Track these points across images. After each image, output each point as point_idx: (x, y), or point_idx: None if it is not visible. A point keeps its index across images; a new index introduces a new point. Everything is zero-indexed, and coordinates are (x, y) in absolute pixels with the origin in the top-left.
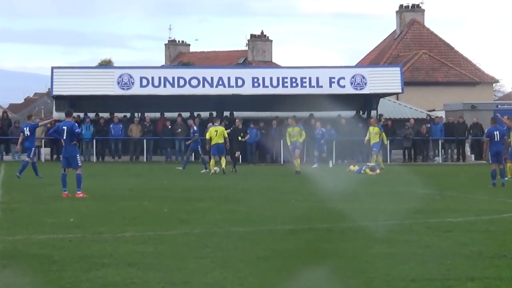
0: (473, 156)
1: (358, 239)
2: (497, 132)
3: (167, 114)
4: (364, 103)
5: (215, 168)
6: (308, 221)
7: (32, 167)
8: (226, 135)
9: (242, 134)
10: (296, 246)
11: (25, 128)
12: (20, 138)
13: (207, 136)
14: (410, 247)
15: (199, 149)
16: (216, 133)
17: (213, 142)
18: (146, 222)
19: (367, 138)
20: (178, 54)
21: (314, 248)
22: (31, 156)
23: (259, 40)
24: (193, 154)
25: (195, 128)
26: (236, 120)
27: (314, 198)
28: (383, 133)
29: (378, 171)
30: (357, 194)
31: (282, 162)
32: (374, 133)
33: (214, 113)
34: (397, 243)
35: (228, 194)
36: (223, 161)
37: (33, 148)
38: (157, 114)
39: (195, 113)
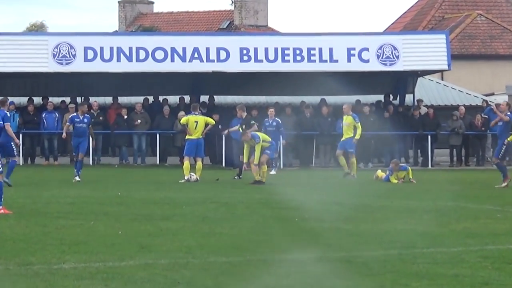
0: None
1: (387, 274)
2: None
3: (122, 100)
4: (396, 85)
5: (191, 174)
6: (317, 248)
7: None
8: (213, 123)
9: (243, 126)
10: (303, 283)
11: None
12: None
13: (183, 122)
14: (460, 285)
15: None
16: (196, 124)
17: (188, 136)
18: (93, 249)
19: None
20: (137, 16)
21: (327, 286)
22: None
23: None
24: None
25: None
26: (238, 108)
27: (326, 216)
28: (358, 123)
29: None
30: (386, 211)
31: (281, 165)
32: (346, 125)
33: (187, 98)
34: (442, 279)
35: (206, 211)
36: (199, 166)
37: None
38: (108, 99)
39: (161, 98)
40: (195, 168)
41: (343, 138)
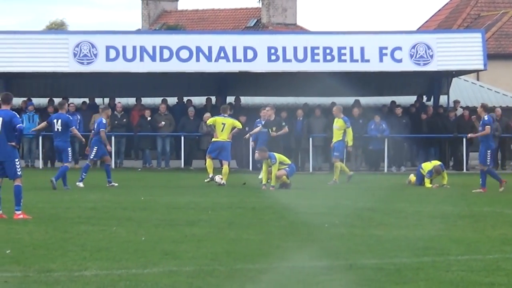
0: None
1: (420, 281)
2: None
3: (145, 100)
4: (430, 85)
5: (218, 176)
6: (348, 255)
7: None
8: (240, 126)
9: (274, 128)
10: None
11: None
12: None
13: (209, 123)
14: None
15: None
16: (223, 126)
17: (214, 139)
18: (115, 256)
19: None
20: (161, 14)
21: None
22: None
23: None
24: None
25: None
26: (267, 108)
27: (357, 221)
28: (349, 128)
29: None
30: (419, 216)
31: (310, 169)
32: (336, 128)
33: (213, 99)
34: (477, 287)
35: (232, 216)
36: (225, 170)
37: None
38: (131, 100)
39: (185, 99)
40: (221, 172)
41: (332, 142)
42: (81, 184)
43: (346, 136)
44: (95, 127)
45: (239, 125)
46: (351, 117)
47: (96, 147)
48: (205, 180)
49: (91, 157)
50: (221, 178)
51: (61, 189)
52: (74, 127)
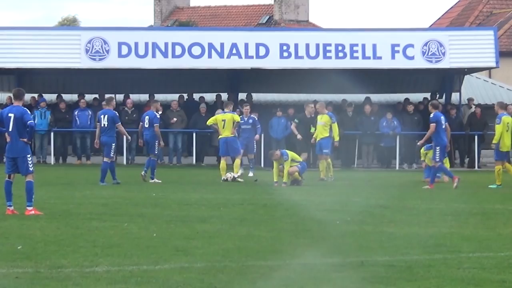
0: None
1: (431, 279)
2: None
3: (157, 97)
4: (442, 82)
5: (228, 174)
6: (359, 252)
7: None
8: (239, 120)
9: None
10: None
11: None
12: None
13: (209, 123)
14: None
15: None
16: (224, 123)
17: (219, 136)
18: (127, 252)
19: (316, 133)
20: (173, 10)
21: None
22: None
23: None
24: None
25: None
26: (310, 105)
27: (368, 218)
28: (335, 123)
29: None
30: (431, 214)
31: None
32: (322, 124)
33: (225, 95)
34: (488, 285)
35: (244, 213)
36: (237, 163)
37: None
38: (144, 97)
39: (198, 95)
40: (233, 167)
41: (318, 139)
42: (157, 180)
43: (333, 132)
44: (146, 121)
45: (238, 118)
46: (363, 114)
47: (157, 142)
48: (221, 180)
49: (156, 152)
50: (231, 174)
51: (72, 184)
52: (120, 123)
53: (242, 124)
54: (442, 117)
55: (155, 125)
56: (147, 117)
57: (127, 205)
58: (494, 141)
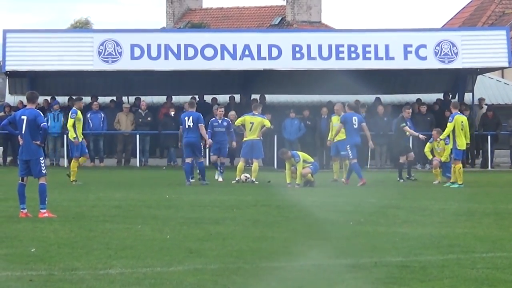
0: None
1: (445, 279)
2: None
3: (172, 99)
4: (455, 82)
5: (245, 174)
6: (373, 253)
7: None
8: (269, 125)
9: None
10: None
11: None
12: None
13: (238, 123)
14: None
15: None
16: (252, 126)
17: (245, 138)
18: (140, 254)
19: (330, 136)
20: (186, 12)
21: None
22: None
23: None
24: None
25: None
26: (408, 107)
27: (382, 219)
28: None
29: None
30: (444, 214)
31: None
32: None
33: (237, 97)
34: (502, 285)
35: (257, 214)
36: (255, 167)
37: None
38: (157, 99)
39: (210, 97)
40: (251, 169)
41: (335, 140)
42: (220, 178)
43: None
44: (190, 122)
45: (268, 123)
46: (376, 115)
47: (202, 143)
48: (232, 182)
49: (202, 154)
50: (246, 176)
51: (85, 187)
52: (202, 124)
53: (215, 126)
54: (355, 118)
55: (200, 125)
56: (190, 117)
57: (141, 207)
58: (441, 137)
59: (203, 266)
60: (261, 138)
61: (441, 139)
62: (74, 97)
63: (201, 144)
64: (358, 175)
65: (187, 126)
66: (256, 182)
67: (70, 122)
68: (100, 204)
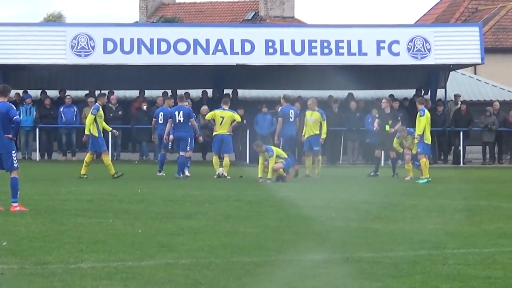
0: None
1: (416, 275)
2: None
3: (144, 93)
4: (427, 79)
5: (221, 169)
6: (345, 248)
7: None
8: (239, 119)
9: (390, 122)
10: (329, 284)
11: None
12: None
13: (208, 117)
14: (492, 287)
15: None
16: (222, 120)
17: (214, 132)
18: (112, 248)
19: (304, 130)
20: (159, 6)
21: (355, 287)
22: None
23: None
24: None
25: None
26: (383, 100)
27: (353, 215)
28: (325, 121)
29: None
30: (416, 210)
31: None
32: (312, 121)
33: (210, 92)
34: (473, 281)
35: (229, 209)
36: (226, 162)
37: None
38: (130, 93)
39: (183, 91)
40: (222, 164)
41: (307, 136)
42: (187, 174)
43: (322, 129)
44: (180, 116)
45: (238, 118)
46: (348, 111)
47: (190, 138)
48: (214, 177)
49: (188, 149)
50: (222, 170)
51: (57, 181)
52: (194, 118)
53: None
54: (292, 111)
55: (191, 120)
56: (181, 112)
57: (112, 201)
58: (418, 133)
59: (175, 261)
60: (231, 133)
61: (418, 135)
62: (97, 92)
63: (188, 139)
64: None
65: (177, 121)
66: (228, 177)
67: (90, 118)
68: (72, 198)
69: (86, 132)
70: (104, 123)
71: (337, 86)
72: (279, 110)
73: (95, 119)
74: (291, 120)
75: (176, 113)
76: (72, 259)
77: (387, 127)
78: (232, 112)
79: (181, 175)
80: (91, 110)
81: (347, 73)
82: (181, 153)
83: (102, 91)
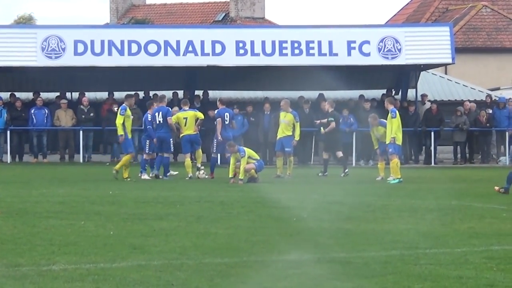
0: None
1: (388, 275)
2: None
3: (114, 95)
4: (398, 79)
5: (200, 171)
6: (316, 249)
7: None
8: (202, 116)
9: (328, 119)
10: (301, 285)
11: None
12: None
13: (173, 121)
14: (464, 287)
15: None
16: (186, 121)
17: (181, 134)
18: (84, 250)
19: (279, 131)
20: (129, 8)
21: (327, 287)
22: None
23: None
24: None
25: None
26: (325, 103)
27: (325, 215)
28: (298, 123)
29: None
30: (387, 210)
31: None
32: (285, 123)
33: (181, 93)
34: (445, 281)
35: (201, 210)
36: (199, 157)
37: None
38: (101, 95)
39: (151, 93)
40: (195, 163)
41: (279, 136)
42: (173, 172)
43: (295, 131)
44: (159, 117)
45: (201, 115)
46: (319, 111)
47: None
48: (186, 178)
49: (172, 150)
50: (204, 173)
51: (29, 183)
52: (170, 117)
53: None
54: (227, 114)
55: (168, 118)
56: (160, 112)
57: (84, 203)
58: (392, 135)
59: (147, 262)
60: (197, 132)
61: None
62: (126, 94)
63: (170, 139)
64: (211, 169)
65: (157, 122)
66: (202, 168)
67: (119, 119)
68: (43, 200)
69: (119, 133)
70: (130, 127)
71: (308, 87)
72: (215, 112)
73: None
74: (226, 122)
75: (156, 114)
76: (44, 261)
77: (322, 129)
78: (194, 111)
79: (167, 176)
80: (119, 111)
81: (318, 74)
82: (165, 154)
83: (130, 93)
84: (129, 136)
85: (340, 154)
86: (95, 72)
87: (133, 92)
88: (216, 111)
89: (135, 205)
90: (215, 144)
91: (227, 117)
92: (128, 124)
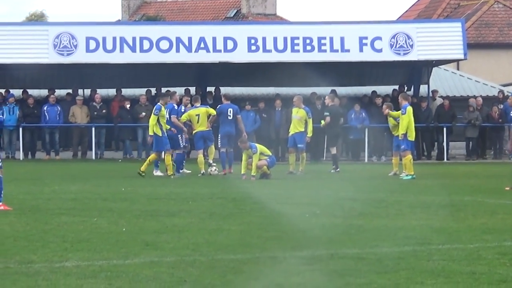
0: None
1: (401, 271)
2: None
3: (125, 91)
4: (410, 75)
5: (212, 167)
6: (329, 245)
7: None
8: (214, 113)
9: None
10: (314, 281)
11: None
12: None
13: (184, 119)
14: (477, 282)
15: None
16: (198, 118)
17: (194, 131)
18: (96, 247)
19: (291, 127)
20: (141, 5)
21: (339, 284)
22: None
23: None
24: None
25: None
26: (326, 97)
27: (337, 211)
28: (310, 119)
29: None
30: (400, 206)
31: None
32: (298, 118)
33: (193, 89)
34: (458, 276)
35: (213, 206)
36: (212, 150)
37: None
38: (111, 91)
39: (164, 89)
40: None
41: (292, 133)
42: (186, 171)
43: (308, 127)
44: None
45: (213, 112)
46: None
47: (179, 135)
48: (198, 175)
49: (181, 145)
50: (216, 170)
51: (41, 180)
52: (175, 116)
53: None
54: (230, 109)
55: (172, 116)
56: (167, 110)
57: (96, 200)
58: (402, 131)
59: (159, 259)
60: (210, 128)
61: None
62: (162, 92)
63: (178, 136)
64: (222, 165)
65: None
66: (214, 164)
67: (153, 118)
68: (56, 197)
69: (150, 133)
70: (164, 125)
71: (320, 83)
72: (217, 108)
73: (158, 119)
74: (229, 118)
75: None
76: (57, 258)
77: (322, 122)
78: (205, 107)
79: (180, 173)
80: (153, 110)
81: (330, 70)
82: (176, 151)
83: (166, 91)
84: (165, 134)
85: (334, 150)
86: (107, 69)
87: (166, 90)
88: (218, 106)
89: (148, 202)
90: (219, 139)
91: (230, 112)
92: (163, 122)
